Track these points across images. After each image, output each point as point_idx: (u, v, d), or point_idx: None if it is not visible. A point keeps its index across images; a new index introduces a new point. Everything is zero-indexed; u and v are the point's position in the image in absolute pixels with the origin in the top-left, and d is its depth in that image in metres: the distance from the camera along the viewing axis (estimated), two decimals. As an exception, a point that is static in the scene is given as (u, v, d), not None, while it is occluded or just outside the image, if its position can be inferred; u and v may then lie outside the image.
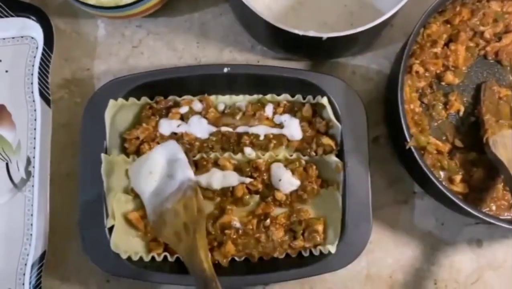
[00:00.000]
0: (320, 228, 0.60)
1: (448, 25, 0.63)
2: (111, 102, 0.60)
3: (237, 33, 0.67)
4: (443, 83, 0.63)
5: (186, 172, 0.55)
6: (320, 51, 0.62)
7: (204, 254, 0.53)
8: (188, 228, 0.53)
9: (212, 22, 0.67)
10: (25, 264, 0.62)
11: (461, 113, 0.63)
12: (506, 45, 0.63)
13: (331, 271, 0.58)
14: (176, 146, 0.56)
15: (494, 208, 0.60)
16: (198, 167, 0.62)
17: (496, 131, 0.60)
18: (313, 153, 0.62)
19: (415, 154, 0.56)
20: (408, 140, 0.56)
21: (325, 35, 0.54)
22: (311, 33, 0.54)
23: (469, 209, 0.55)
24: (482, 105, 0.62)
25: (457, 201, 0.55)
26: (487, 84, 0.63)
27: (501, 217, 0.60)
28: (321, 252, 0.59)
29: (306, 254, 0.60)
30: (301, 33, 0.54)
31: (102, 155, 0.59)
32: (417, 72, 0.62)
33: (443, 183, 0.60)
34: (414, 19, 0.59)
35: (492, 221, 0.55)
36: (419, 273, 0.63)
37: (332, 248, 0.58)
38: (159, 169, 0.56)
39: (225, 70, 0.61)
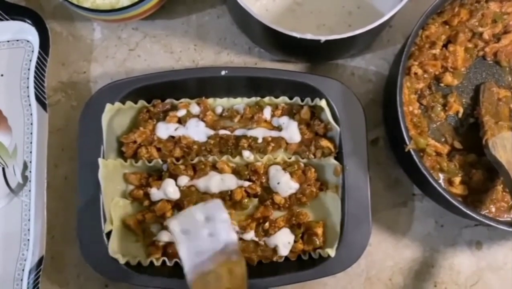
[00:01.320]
0: (319, 231, 0.60)
1: (447, 26, 0.62)
2: (108, 106, 0.59)
3: (235, 35, 0.67)
4: (442, 85, 0.63)
5: (231, 235, 0.52)
6: (318, 53, 0.62)
7: None
8: None
9: (209, 24, 0.67)
10: (23, 270, 0.61)
11: (460, 115, 0.63)
12: (505, 46, 0.63)
13: (331, 275, 0.58)
14: (220, 205, 0.54)
15: (493, 209, 0.60)
16: (196, 170, 0.61)
17: (496, 132, 0.59)
18: (312, 156, 0.62)
19: (414, 157, 0.56)
20: (407, 142, 0.56)
21: (323, 38, 0.53)
22: (309, 36, 0.53)
23: (468, 212, 0.55)
24: (481, 106, 0.62)
25: (456, 203, 0.55)
26: (486, 85, 0.63)
27: (500, 219, 0.60)
28: (320, 256, 0.59)
29: (305, 257, 0.60)
30: (298, 36, 0.53)
31: (99, 159, 0.59)
32: (415, 73, 0.61)
33: (443, 185, 0.60)
34: (412, 20, 0.59)
35: (491, 223, 0.55)
36: (419, 276, 0.63)
37: (331, 252, 0.58)
38: (200, 227, 0.53)
39: (223, 72, 0.60)
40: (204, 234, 0.52)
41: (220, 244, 0.52)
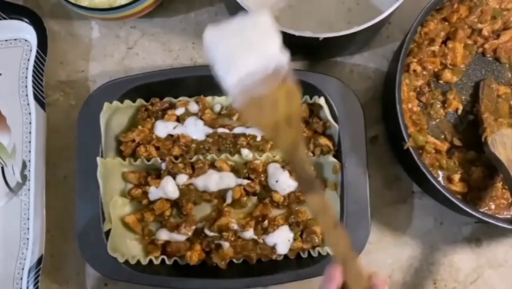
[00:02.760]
0: (318, 229, 0.60)
1: (446, 23, 0.62)
2: (106, 105, 0.59)
3: (233, 33, 0.66)
4: (441, 82, 0.63)
5: (282, 56, 0.45)
6: (317, 50, 0.62)
7: (304, 152, 0.46)
8: (290, 120, 0.45)
9: (207, 22, 0.67)
10: (22, 268, 0.61)
11: (459, 112, 0.62)
12: (505, 42, 0.62)
13: (330, 273, 0.58)
14: (268, 18, 0.44)
15: (493, 207, 0.60)
16: (195, 169, 0.61)
17: (495, 129, 0.59)
18: (311, 154, 0.62)
19: (413, 155, 0.55)
20: (406, 140, 0.56)
21: (321, 36, 0.53)
22: (307, 34, 0.53)
23: (467, 209, 0.55)
24: (481, 103, 0.61)
25: (455, 201, 0.55)
26: (486, 82, 0.62)
27: (500, 216, 0.60)
28: (319, 254, 0.59)
29: (304, 255, 0.60)
30: (297, 33, 0.53)
31: (98, 158, 0.59)
32: (414, 70, 0.61)
33: (442, 182, 0.60)
34: (411, 16, 0.58)
35: (490, 220, 0.55)
36: (419, 273, 0.63)
37: (330, 250, 0.58)
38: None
39: (221, 71, 0.60)
40: (248, 54, 0.43)
41: (271, 63, 0.44)
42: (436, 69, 0.62)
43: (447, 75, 0.62)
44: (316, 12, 0.64)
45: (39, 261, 0.60)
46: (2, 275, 0.61)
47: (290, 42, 0.57)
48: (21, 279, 0.61)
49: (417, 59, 0.61)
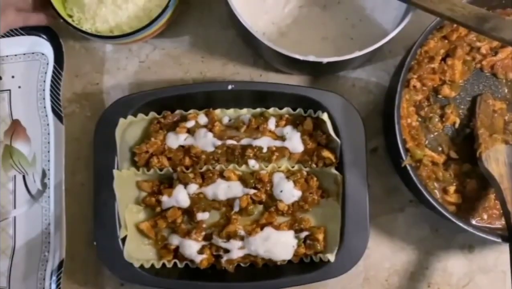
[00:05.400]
0: (320, 236, 0.64)
1: (446, 41, 0.64)
2: (121, 120, 0.63)
3: (240, 47, 0.69)
4: (440, 96, 0.65)
5: None
6: (320, 69, 0.64)
7: None
8: None
9: (216, 36, 0.69)
10: (45, 270, 0.66)
11: (456, 125, 0.65)
12: (502, 59, 0.65)
13: (331, 278, 0.62)
14: None
15: (485, 217, 0.63)
16: (205, 178, 0.65)
17: (490, 146, 0.62)
18: (314, 165, 0.65)
19: (410, 172, 0.59)
20: (404, 158, 0.59)
21: (324, 60, 0.56)
22: (311, 58, 0.56)
23: (459, 223, 0.58)
24: (477, 118, 0.64)
25: (448, 216, 0.58)
26: (483, 97, 0.65)
27: (492, 226, 0.63)
28: (321, 259, 0.63)
29: (307, 260, 0.64)
30: (301, 58, 0.56)
31: (114, 171, 0.62)
32: (414, 86, 0.64)
33: (438, 193, 0.63)
34: (413, 31, 0.61)
35: (480, 234, 0.58)
36: (414, 277, 0.67)
37: (331, 257, 0.61)
38: None
39: (229, 87, 0.63)
40: None
41: None
42: (435, 85, 0.64)
43: (446, 90, 0.65)
44: (321, 28, 0.66)
45: (61, 264, 0.64)
46: (26, 275, 0.66)
47: (295, 63, 0.60)
48: (44, 279, 0.65)
49: (417, 75, 0.63)
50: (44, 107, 0.68)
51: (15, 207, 0.67)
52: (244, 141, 0.65)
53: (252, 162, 0.65)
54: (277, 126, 0.66)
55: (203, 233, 0.65)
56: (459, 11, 0.54)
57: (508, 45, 0.59)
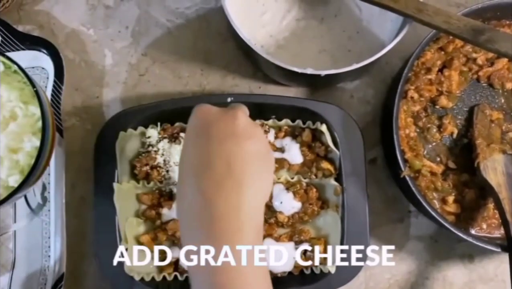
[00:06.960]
0: (321, 248, 0.64)
1: (442, 52, 0.65)
2: (121, 133, 0.63)
3: (239, 60, 0.70)
4: (437, 107, 0.66)
5: None
6: (318, 81, 0.65)
7: None
8: None
9: (215, 49, 0.70)
10: (45, 284, 0.66)
11: (454, 135, 0.66)
12: (498, 70, 0.65)
13: (331, 289, 0.62)
14: None
15: (484, 226, 0.64)
16: (205, 191, 0.65)
17: (487, 155, 0.62)
18: (314, 176, 0.65)
19: (409, 182, 0.59)
20: (403, 169, 0.59)
21: (323, 73, 0.56)
22: (309, 71, 0.56)
23: (458, 233, 0.59)
24: (475, 128, 0.64)
25: (448, 226, 0.59)
26: (480, 107, 0.66)
27: (491, 236, 0.63)
28: (321, 271, 0.63)
29: (307, 272, 0.64)
30: (300, 71, 0.56)
31: (115, 184, 0.62)
32: (412, 97, 0.64)
33: (437, 203, 0.64)
34: (409, 43, 0.62)
35: (479, 244, 0.59)
36: (414, 287, 0.67)
37: (331, 268, 0.62)
38: None
39: (229, 100, 0.64)
40: None
41: None
42: (432, 96, 0.65)
43: (443, 101, 0.65)
44: (319, 41, 0.67)
45: (61, 278, 0.64)
46: (26, 288, 0.66)
47: (293, 75, 0.61)
48: (44, 293, 0.65)
49: (415, 86, 0.64)
50: (44, 121, 0.68)
51: (15, 221, 0.67)
52: (244, 153, 0.66)
53: (251, 174, 0.65)
54: (276, 137, 0.67)
55: (203, 245, 0.65)
56: (455, 23, 0.55)
57: (503, 56, 0.60)
